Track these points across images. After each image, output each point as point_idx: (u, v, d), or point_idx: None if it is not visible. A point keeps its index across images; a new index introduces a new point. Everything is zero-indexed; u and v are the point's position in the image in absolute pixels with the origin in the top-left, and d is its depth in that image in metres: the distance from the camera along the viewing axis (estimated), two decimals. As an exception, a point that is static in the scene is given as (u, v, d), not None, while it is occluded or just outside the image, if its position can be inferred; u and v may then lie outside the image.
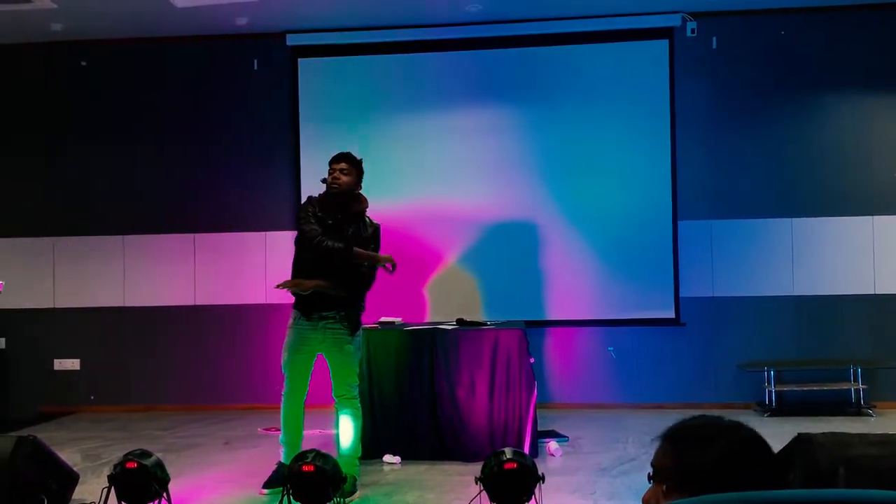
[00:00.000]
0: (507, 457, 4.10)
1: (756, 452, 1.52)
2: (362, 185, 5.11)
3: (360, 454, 5.07)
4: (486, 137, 7.83)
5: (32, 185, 8.27)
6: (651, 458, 1.64)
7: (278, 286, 5.06)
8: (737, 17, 7.68)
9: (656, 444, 1.59)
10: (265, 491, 4.96)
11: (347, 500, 4.70)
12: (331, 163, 5.05)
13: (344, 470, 4.52)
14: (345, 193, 4.99)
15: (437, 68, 7.98)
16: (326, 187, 5.02)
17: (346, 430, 5.03)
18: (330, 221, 4.97)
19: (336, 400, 5.05)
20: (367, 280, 5.10)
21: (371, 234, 5.08)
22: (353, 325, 5.02)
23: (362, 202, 5.09)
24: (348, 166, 5.00)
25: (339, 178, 4.97)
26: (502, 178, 7.81)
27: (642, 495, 1.59)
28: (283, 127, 8.08)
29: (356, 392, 5.08)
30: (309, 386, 5.11)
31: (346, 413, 5.03)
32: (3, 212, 8.25)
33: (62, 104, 8.28)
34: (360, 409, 5.11)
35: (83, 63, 8.22)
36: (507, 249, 7.75)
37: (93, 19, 7.57)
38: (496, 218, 7.78)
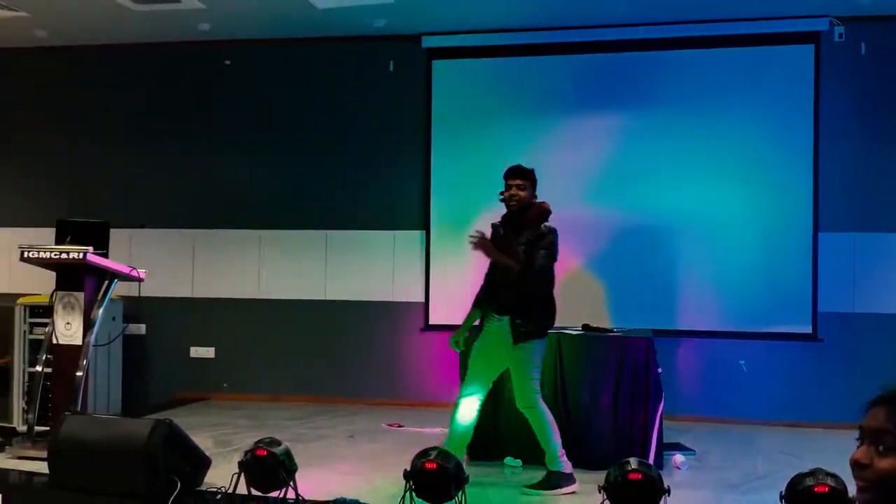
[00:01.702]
0: (633, 467, 4.02)
1: None
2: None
3: (554, 451, 5.05)
4: (619, 141, 7.72)
5: (177, 180, 8.61)
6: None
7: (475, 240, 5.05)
8: (887, 22, 7.33)
9: (871, 409, 1.71)
10: None
11: (548, 492, 4.95)
12: (505, 178, 5.14)
13: (549, 466, 4.98)
14: (523, 208, 5.09)
15: (570, 71, 7.91)
16: (505, 203, 5.12)
17: (538, 433, 5.09)
18: (504, 236, 5.14)
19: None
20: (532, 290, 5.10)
21: (534, 239, 5.04)
22: (519, 332, 5.01)
23: (534, 210, 5.12)
24: (523, 181, 5.10)
25: (516, 195, 5.08)
26: (634, 184, 7.68)
27: (851, 455, 1.70)
28: (415, 128, 8.17)
29: (531, 400, 5.08)
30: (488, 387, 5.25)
31: (528, 418, 5.10)
32: (150, 204, 8.61)
33: (207, 102, 8.60)
34: (542, 412, 5.08)
35: (227, 62, 8.52)
36: (637, 256, 7.62)
37: (238, 20, 7.82)
38: (626, 224, 7.65)
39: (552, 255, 5.10)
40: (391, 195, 8.21)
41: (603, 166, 7.72)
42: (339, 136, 8.34)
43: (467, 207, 7.84)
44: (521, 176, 5.10)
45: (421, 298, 8.07)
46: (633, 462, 4.06)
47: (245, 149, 8.49)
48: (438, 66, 8.16)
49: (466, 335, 5.31)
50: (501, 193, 5.13)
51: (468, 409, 5.17)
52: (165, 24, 7.89)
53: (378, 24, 7.82)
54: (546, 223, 5.12)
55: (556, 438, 5.08)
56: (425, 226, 8.09)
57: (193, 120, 8.61)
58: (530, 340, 5.04)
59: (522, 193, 5.08)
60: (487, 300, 5.23)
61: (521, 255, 5.02)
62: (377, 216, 8.22)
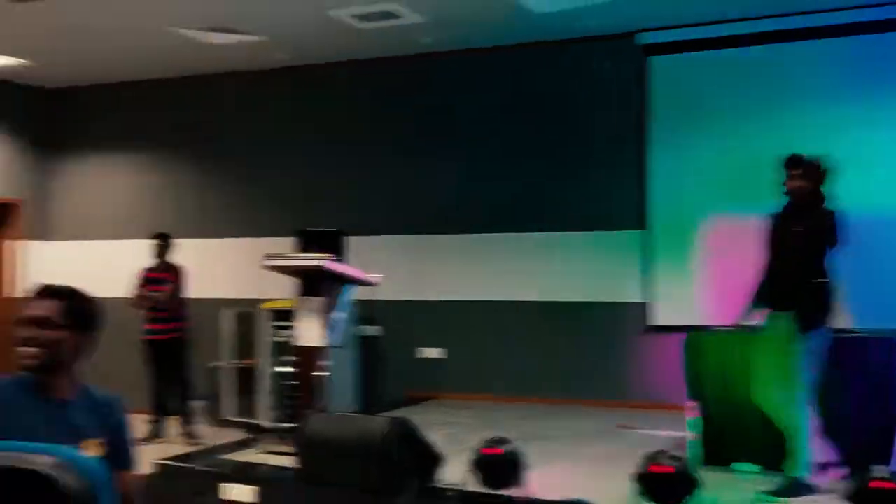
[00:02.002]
0: (877, 474, 3.82)
1: None
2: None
3: (803, 457, 4.91)
4: (857, 130, 7.25)
5: (406, 188, 8.94)
6: None
7: None
8: None
9: None
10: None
11: (789, 499, 4.76)
12: (785, 168, 5.12)
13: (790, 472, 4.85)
14: (799, 195, 5.06)
15: (803, 59, 7.51)
16: (787, 193, 5.12)
17: (792, 433, 4.97)
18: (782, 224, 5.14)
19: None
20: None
21: (815, 226, 4.99)
22: (802, 324, 4.91)
23: (812, 197, 5.05)
24: (801, 170, 5.06)
25: (796, 184, 5.07)
26: (871, 174, 7.20)
27: None
28: (630, 126, 8.09)
29: (793, 398, 4.95)
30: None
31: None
32: (381, 212, 9.00)
33: (430, 112, 8.90)
34: (804, 413, 4.93)
35: (449, 73, 8.78)
36: (877, 251, 7.16)
37: (456, 30, 8.02)
38: (864, 216, 7.19)
39: (834, 240, 4.97)
40: (609, 196, 8.17)
41: (839, 156, 7.29)
42: (553, 139, 8.41)
43: (691, 206, 7.68)
44: (799, 164, 5.05)
45: (642, 299, 7.99)
46: (878, 470, 3.86)
47: (467, 155, 8.70)
48: (654, 62, 8.03)
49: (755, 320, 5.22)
50: (784, 184, 5.08)
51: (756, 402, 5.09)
52: (389, 39, 8.19)
53: (592, 25, 7.79)
54: (826, 207, 5.02)
55: (810, 444, 4.88)
56: (645, 226, 7.99)
57: (419, 130, 8.93)
58: (812, 332, 4.90)
59: (802, 183, 5.02)
60: (769, 295, 5.13)
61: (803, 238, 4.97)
62: (596, 217, 8.20)
